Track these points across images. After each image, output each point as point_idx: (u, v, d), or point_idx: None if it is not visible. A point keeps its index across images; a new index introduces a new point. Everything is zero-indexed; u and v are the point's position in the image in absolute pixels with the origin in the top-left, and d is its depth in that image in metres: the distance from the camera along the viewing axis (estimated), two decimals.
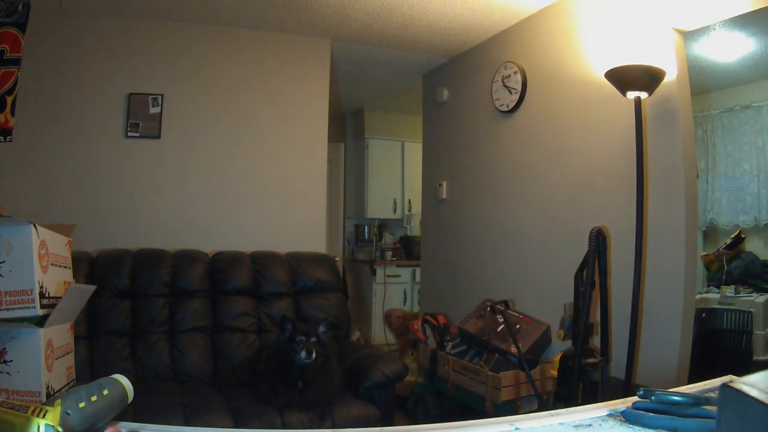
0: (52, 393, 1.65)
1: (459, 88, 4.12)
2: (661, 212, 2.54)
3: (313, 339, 2.32)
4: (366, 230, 6.16)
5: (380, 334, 5.43)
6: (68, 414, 0.70)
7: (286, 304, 3.02)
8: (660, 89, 2.44)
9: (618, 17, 2.75)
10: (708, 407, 0.79)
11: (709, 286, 4.05)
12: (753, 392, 0.52)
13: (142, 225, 3.32)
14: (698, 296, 3.76)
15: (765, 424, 0.50)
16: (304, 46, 3.78)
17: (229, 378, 2.64)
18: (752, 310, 3.58)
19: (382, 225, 6.15)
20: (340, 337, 3.04)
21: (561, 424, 0.81)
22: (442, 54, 4.12)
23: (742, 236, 4.13)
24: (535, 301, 3.19)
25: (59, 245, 1.86)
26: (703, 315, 3.72)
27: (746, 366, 3.39)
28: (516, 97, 3.41)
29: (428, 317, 3.47)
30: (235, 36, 3.61)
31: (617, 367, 2.45)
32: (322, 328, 2.41)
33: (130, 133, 3.35)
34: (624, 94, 2.44)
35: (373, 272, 5.52)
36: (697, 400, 0.80)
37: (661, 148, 2.55)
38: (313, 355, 2.28)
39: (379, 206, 6.00)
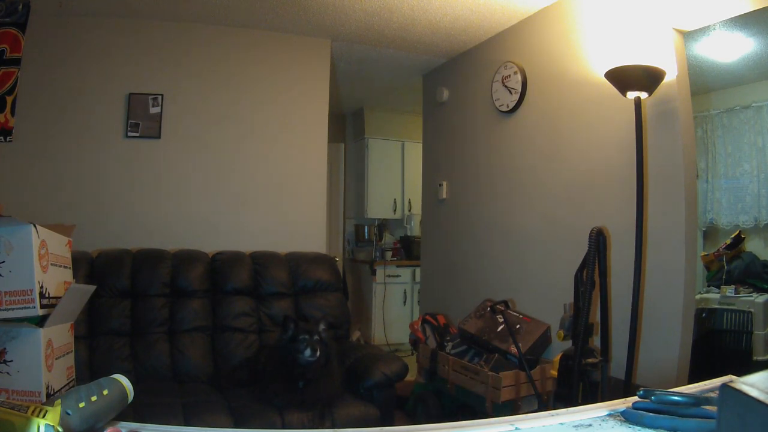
0: (52, 393, 1.65)
1: (459, 88, 4.12)
2: (661, 212, 2.54)
3: (316, 337, 2.33)
4: (366, 230, 6.16)
5: (380, 334, 5.44)
6: (68, 414, 0.70)
7: (286, 304, 3.02)
8: (660, 89, 2.44)
9: (618, 17, 2.75)
10: (708, 407, 0.79)
11: (709, 286, 4.04)
12: (753, 392, 0.52)
13: (142, 225, 3.32)
14: (698, 296, 3.76)
15: (765, 424, 0.50)
16: (304, 46, 3.78)
17: (229, 378, 2.64)
18: (752, 310, 3.58)
19: (382, 225, 6.15)
20: (340, 337, 3.04)
21: (561, 424, 0.81)
22: (442, 54, 4.12)
23: (742, 236, 4.13)
24: (535, 301, 3.19)
25: (59, 245, 1.86)
26: (703, 315, 3.72)
27: (746, 366, 3.39)
28: (516, 97, 3.41)
29: (428, 317, 3.47)
30: (235, 36, 3.61)
31: (617, 367, 2.45)
32: (322, 326, 2.41)
33: (130, 133, 3.35)
34: (624, 94, 2.44)
35: (373, 272, 5.52)
36: (697, 400, 0.80)
37: (661, 148, 2.55)
38: (318, 353, 2.28)
39: (379, 206, 6.00)
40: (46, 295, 1.65)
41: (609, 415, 0.85)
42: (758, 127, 4.32)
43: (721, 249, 4.11)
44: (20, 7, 3.01)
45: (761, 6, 2.30)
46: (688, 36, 2.68)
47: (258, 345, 2.85)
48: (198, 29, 3.53)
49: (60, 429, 0.67)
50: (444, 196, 4.23)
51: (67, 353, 1.88)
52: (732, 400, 0.54)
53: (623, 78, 2.40)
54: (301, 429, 2.22)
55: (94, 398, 0.75)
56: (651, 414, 0.80)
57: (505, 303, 3.06)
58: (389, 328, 5.43)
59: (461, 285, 3.97)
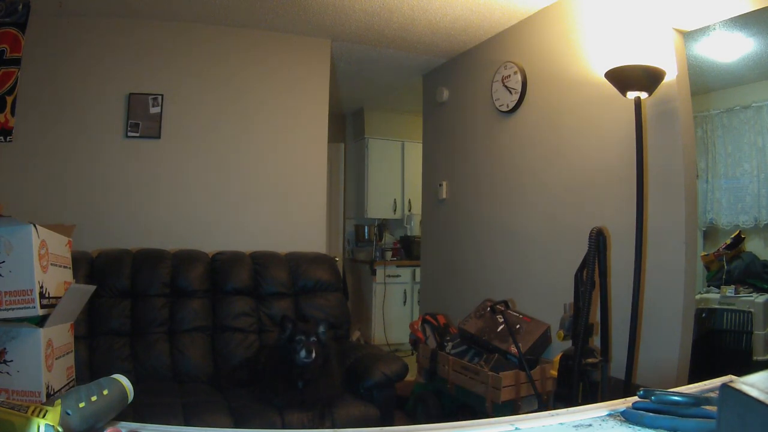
0: (52, 393, 1.65)
1: (459, 88, 4.12)
2: (661, 212, 2.54)
3: (312, 338, 2.33)
4: (366, 230, 6.16)
5: (380, 334, 5.44)
6: (68, 414, 0.70)
7: (286, 304, 3.02)
8: (660, 89, 2.44)
9: (618, 17, 2.75)
10: (708, 407, 0.79)
11: (709, 286, 4.04)
12: (753, 392, 0.52)
13: (142, 225, 3.32)
14: (698, 296, 3.76)
15: (765, 424, 0.50)
16: (304, 46, 3.78)
17: (229, 378, 2.64)
18: (752, 310, 3.58)
19: (382, 225, 6.15)
20: (340, 337, 3.04)
21: (561, 424, 0.81)
22: (442, 54, 4.12)
23: (742, 236, 4.13)
24: (535, 301, 3.19)
25: (59, 245, 1.86)
26: (703, 315, 3.72)
27: (746, 366, 3.39)
28: (516, 97, 3.41)
29: (428, 317, 3.47)
30: (235, 36, 3.61)
31: (617, 367, 2.45)
32: (321, 328, 2.41)
33: (130, 133, 3.35)
34: (624, 94, 2.44)
35: (373, 272, 5.52)
36: (697, 400, 0.80)
37: (661, 148, 2.55)
38: (313, 355, 2.28)
39: (379, 206, 6.00)
40: (46, 295, 1.65)
41: (609, 415, 0.85)
42: (758, 127, 4.32)
43: (721, 249, 4.11)
44: (20, 7, 3.01)
45: (761, 6, 2.30)
46: (688, 36, 2.68)
47: (258, 345, 2.85)
48: (198, 29, 3.53)
49: (60, 429, 0.67)
50: (444, 196, 4.23)
51: (67, 353, 1.88)
52: (732, 400, 0.54)
53: (623, 78, 2.40)
54: (301, 429, 2.22)
55: (94, 398, 0.75)
56: (651, 414, 0.80)
57: (505, 303, 3.06)
58: (389, 328, 5.43)
59: (461, 285, 3.97)
